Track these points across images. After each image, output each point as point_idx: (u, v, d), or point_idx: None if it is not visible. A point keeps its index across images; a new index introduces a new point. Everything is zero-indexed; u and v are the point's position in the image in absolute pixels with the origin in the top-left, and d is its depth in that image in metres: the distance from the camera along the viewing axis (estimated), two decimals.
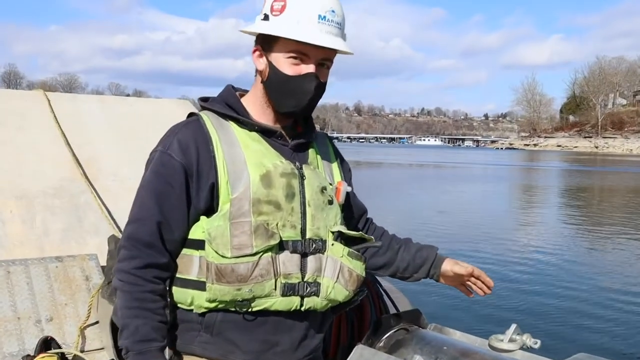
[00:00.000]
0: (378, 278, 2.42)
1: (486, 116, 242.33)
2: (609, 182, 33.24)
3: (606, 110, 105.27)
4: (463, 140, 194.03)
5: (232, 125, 1.71)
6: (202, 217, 1.64)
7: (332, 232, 1.73)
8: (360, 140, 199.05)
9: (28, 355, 2.61)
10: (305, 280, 1.66)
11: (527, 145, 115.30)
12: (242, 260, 1.57)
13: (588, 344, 6.84)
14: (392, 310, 2.32)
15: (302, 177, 1.69)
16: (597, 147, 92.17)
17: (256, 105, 1.75)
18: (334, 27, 1.67)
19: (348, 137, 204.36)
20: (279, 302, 1.63)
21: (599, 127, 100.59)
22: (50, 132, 4.70)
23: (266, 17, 1.67)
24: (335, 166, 1.88)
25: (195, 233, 1.64)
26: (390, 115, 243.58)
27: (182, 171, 1.62)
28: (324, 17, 1.64)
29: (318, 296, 1.68)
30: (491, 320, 7.62)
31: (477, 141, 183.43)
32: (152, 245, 1.61)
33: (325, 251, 1.70)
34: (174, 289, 1.67)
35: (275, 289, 1.62)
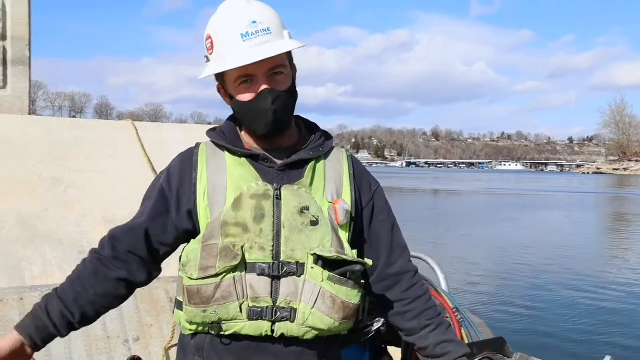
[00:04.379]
0: (458, 305, 2.37)
1: (571, 140, 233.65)
2: None
3: None
4: (546, 164, 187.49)
5: (226, 154, 1.75)
6: (192, 241, 1.69)
7: (312, 255, 1.61)
8: (439, 166, 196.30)
9: None
10: (276, 304, 1.60)
11: (617, 169, 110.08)
12: (206, 282, 1.58)
13: None
14: (475, 339, 2.26)
15: (277, 198, 1.65)
16: None
17: (248, 133, 1.79)
18: (261, 36, 1.64)
19: (426, 163, 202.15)
20: (247, 327, 1.60)
21: None
22: (138, 159, 4.94)
23: (207, 59, 1.74)
24: (346, 184, 1.76)
25: (183, 256, 1.69)
26: (469, 140, 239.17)
27: (162, 194, 1.75)
28: (247, 33, 1.64)
29: (293, 322, 1.60)
30: (580, 351, 7.30)
31: (562, 166, 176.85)
32: (116, 238, 1.76)
33: (302, 275, 1.61)
34: (175, 310, 1.75)
35: (241, 312, 1.59)
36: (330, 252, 1.61)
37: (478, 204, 33.61)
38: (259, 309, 1.59)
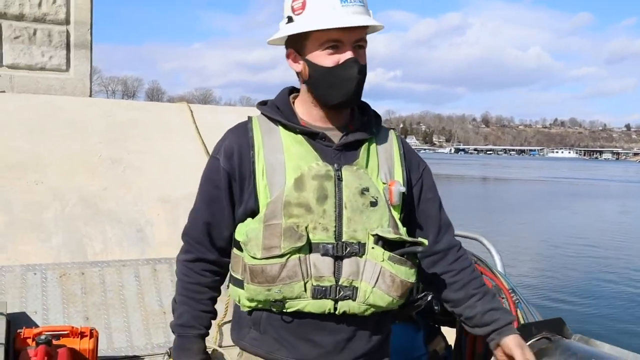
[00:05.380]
0: (514, 285, 2.34)
1: (628, 127, 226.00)
2: None
3: None
4: (601, 152, 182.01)
5: (280, 129, 1.73)
6: (249, 219, 1.69)
7: (373, 235, 1.65)
8: (488, 152, 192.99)
9: None
10: (339, 283, 1.62)
11: None
12: (271, 262, 1.60)
13: None
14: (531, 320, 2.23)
15: (338, 179, 1.66)
16: None
17: (304, 107, 1.77)
18: (358, 6, 1.66)
19: (475, 149, 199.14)
20: (310, 305, 1.63)
21: None
22: (192, 141, 5.03)
23: (290, 19, 1.70)
24: (397, 165, 1.78)
25: (239, 234, 1.69)
26: (520, 127, 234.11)
27: (226, 176, 1.72)
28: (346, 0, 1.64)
29: (355, 300, 1.63)
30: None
31: (617, 153, 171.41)
32: (201, 242, 1.75)
33: (364, 255, 1.64)
34: (230, 286, 1.76)
35: (305, 291, 1.61)
36: (390, 233, 1.64)
37: (530, 192, 32.92)
38: (323, 288, 1.62)
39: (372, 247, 1.64)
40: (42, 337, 2.82)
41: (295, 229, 1.60)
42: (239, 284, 1.69)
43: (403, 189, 1.72)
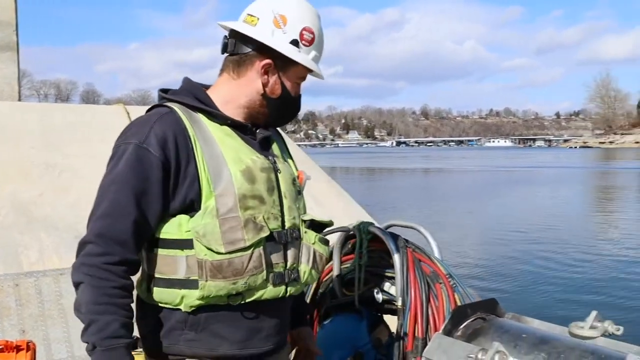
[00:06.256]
0: (451, 271, 2.41)
1: (558, 115, 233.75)
2: None
3: None
4: (534, 140, 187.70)
5: (203, 119, 1.69)
6: (182, 216, 1.61)
7: (304, 221, 1.78)
8: (428, 144, 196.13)
9: None
10: (287, 268, 1.71)
11: (603, 143, 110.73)
12: (237, 255, 1.60)
13: None
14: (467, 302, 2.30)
15: (276, 171, 1.74)
16: None
17: (230, 105, 1.75)
18: None
19: (415, 142, 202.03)
20: (268, 292, 1.68)
21: None
22: None
23: (295, 43, 1.73)
24: (290, 158, 1.93)
25: (176, 233, 1.61)
26: (457, 118, 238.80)
27: (160, 167, 1.58)
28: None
29: (298, 282, 1.75)
30: (569, 309, 7.69)
31: (549, 141, 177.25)
32: (125, 242, 1.55)
33: (300, 239, 1.75)
34: (157, 289, 1.65)
35: (267, 279, 1.66)
36: (318, 217, 1.83)
37: (468, 182, 33.76)
38: (281, 274, 1.70)
39: (305, 232, 1.77)
40: None
41: (254, 221, 1.63)
42: (180, 284, 1.61)
43: (309, 177, 1.89)
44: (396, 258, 2.33)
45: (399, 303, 2.30)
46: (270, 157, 1.75)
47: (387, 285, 2.48)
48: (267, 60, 1.72)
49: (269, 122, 1.81)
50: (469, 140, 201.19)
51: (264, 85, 1.74)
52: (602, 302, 8.29)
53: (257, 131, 1.79)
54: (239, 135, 1.72)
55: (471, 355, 1.67)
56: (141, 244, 1.63)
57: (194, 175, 1.61)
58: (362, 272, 2.52)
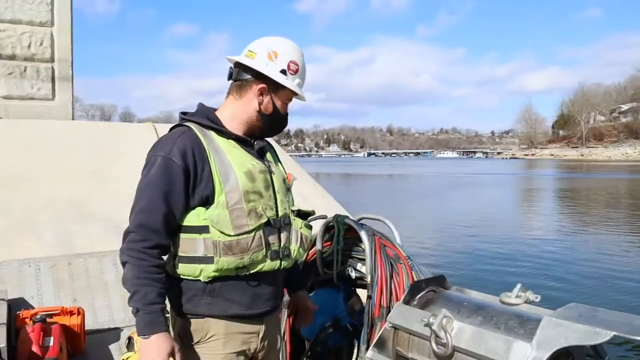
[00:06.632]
0: (409, 254, 2.40)
1: (493, 133, 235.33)
2: (593, 185, 31.92)
3: (589, 125, 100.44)
4: (475, 152, 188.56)
5: (214, 135, 1.71)
6: (200, 208, 1.64)
7: (293, 211, 1.83)
8: (393, 155, 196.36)
9: None
10: (281, 247, 1.74)
11: (526, 155, 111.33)
12: (243, 237, 1.64)
13: (580, 298, 7.00)
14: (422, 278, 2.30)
15: (271, 173, 1.78)
16: (582, 155, 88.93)
17: (234, 121, 1.76)
18: None
19: (383, 153, 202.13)
20: (267, 265, 1.71)
21: (584, 139, 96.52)
22: None
23: (284, 72, 1.75)
24: (280, 163, 1.96)
25: (196, 221, 1.63)
26: (416, 134, 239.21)
27: (182, 173, 1.61)
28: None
29: (290, 258, 1.78)
30: (501, 282, 7.81)
31: (486, 153, 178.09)
32: (158, 231, 1.60)
33: (290, 225, 1.78)
34: (181, 265, 1.66)
35: (266, 255, 1.70)
36: (304, 208, 1.90)
37: (424, 185, 33.86)
38: (277, 251, 1.73)
39: (294, 219, 1.82)
40: (38, 316, 2.75)
41: (255, 211, 1.67)
42: (199, 260, 1.64)
43: (296, 178, 1.94)
44: (366, 243, 2.33)
45: (369, 279, 2.29)
46: (265, 162, 1.80)
47: (359, 265, 2.47)
48: (262, 85, 1.75)
49: (264, 133, 1.83)
50: (424, 152, 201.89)
51: (260, 104, 1.76)
52: (525, 274, 8.44)
53: (255, 142, 1.81)
54: (241, 147, 1.75)
55: (424, 319, 1.68)
56: (170, 232, 1.64)
57: (208, 177, 1.65)
58: (340, 255, 2.51)
